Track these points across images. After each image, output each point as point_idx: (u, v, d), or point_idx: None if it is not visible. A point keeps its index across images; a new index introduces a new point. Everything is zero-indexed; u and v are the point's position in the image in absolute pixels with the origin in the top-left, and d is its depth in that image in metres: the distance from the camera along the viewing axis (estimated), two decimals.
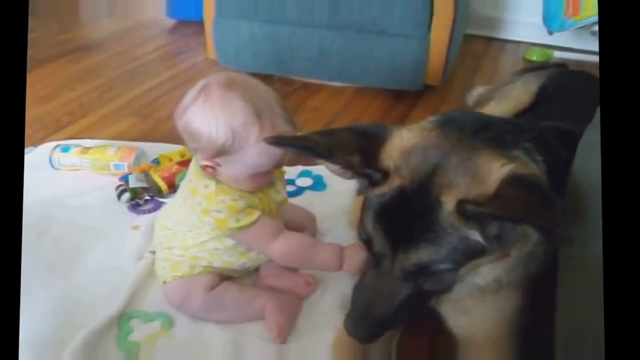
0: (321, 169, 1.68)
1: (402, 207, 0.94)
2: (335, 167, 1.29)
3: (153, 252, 1.41)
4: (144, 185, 1.73)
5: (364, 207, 1.02)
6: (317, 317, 1.29)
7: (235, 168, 1.18)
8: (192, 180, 1.25)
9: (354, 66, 2.47)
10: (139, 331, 1.22)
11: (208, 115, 1.14)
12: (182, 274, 1.30)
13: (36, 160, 1.87)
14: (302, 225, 1.51)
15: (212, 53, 2.71)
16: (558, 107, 1.61)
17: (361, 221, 1.03)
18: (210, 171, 1.20)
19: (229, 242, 1.28)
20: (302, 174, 1.79)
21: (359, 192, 1.06)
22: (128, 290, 1.31)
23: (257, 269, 1.41)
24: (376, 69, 2.45)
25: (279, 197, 1.32)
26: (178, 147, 1.87)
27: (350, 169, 1.00)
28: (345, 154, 0.99)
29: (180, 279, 1.29)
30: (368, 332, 1.02)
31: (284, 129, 1.15)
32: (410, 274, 0.97)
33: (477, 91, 2.28)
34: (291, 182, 1.76)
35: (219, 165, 1.19)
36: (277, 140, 1.06)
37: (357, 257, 1.19)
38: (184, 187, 1.29)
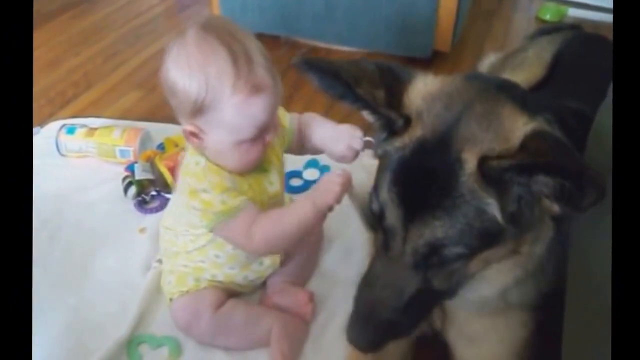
0: (328, 160, 1.65)
1: (421, 165, 0.86)
2: (337, 151, 1.25)
3: (160, 262, 1.39)
4: (150, 177, 1.69)
5: (379, 170, 0.94)
6: (325, 342, 1.27)
7: (217, 134, 1.10)
8: (187, 157, 1.20)
9: (362, 24, 2.35)
10: (148, 358, 1.23)
11: (182, 63, 1.06)
12: (188, 289, 1.28)
13: (43, 144, 1.83)
14: None
15: (216, 8, 2.58)
16: (572, 82, 1.52)
17: (374, 189, 0.94)
18: (196, 141, 1.13)
19: (229, 248, 1.25)
20: (309, 165, 1.73)
21: (376, 151, 0.96)
22: (136, 310, 1.30)
23: (263, 284, 1.39)
24: (385, 29, 2.33)
25: (272, 189, 1.25)
26: None
27: (373, 107, 0.92)
28: (371, 86, 0.90)
29: (186, 295, 1.27)
30: (371, 337, 0.94)
31: (263, 80, 1.06)
32: (422, 258, 0.88)
33: (489, 60, 2.16)
34: (298, 174, 1.71)
35: (201, 130, 1.10)
36: (301, 62, 0.93)
37: (326, 189, 1.12)
38: (179, 175, 1.25)
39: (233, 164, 1.15)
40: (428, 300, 0.96)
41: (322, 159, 1.72)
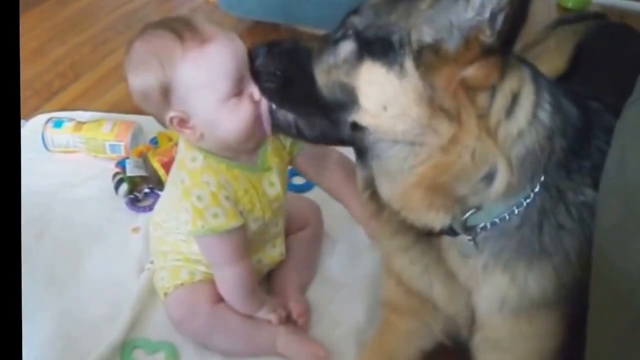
0: None
1: None
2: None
3: (153, 263, 1.41)
4: (143, 173, 1.71)
5: None
6: (329, 350, 1.28)
7: (196, 103, 1.13)
8: (181, 150, 1.23)
9: None
10: None
11: (135, 65, 1.14)
12: (183, 281, 1.30)
13: (28, 138, 1.83)
14: (306, 219, 1.49)
15: None
16: (596, 76, 1.52)
17: None
18: (187, 131, 1.16)
19: None
20: None
21: None
22: (130, 313, 1.32)
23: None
24: None
25: (272, 191, 1.27)
26: None
27: None
28: None
29: (181, 288, 1.30)
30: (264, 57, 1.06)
31: (209, 32, 1.13)
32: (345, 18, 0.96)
33: None
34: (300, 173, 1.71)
35: (183, 112, 1.14)
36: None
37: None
38: (174, 164, 1.27)
39: (230, 130, 1.15)
40: (306, 88, 0.99)
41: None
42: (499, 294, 1.02)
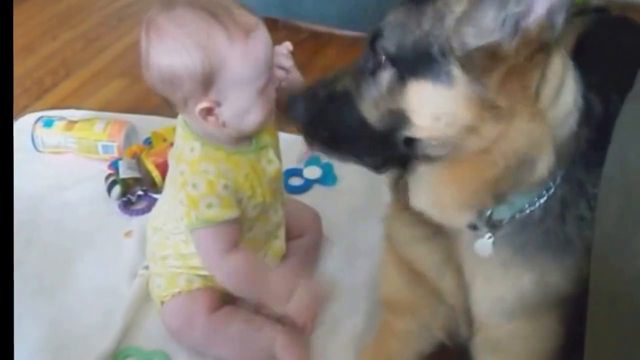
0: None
1: None
2: None
3: (147, 268, 1.41)
4: (136, 175, 1.70)
5: None
6: (328, 356, 1.29)
7: (235, 94, 1.13)
8: (179, 145, 1.23)
9: (369, 6, 2.34)
10: None
11: (171, 46, 1.10)
12: (180, 289, 1.29)
13: (17, 138, 1.82)
14: (304, 226, 1.48)
15: None
16: (595, 71, 1.51)
17: None
18: (212, 119, 1.15)
19: None
20: (310, 163, 1.74)
21: None
22: (122, 321, 1.31)
23: None
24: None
25: (271, 168, 1.27)
26: (173, 122, 1.82)
27: None
28: None
29: (179, 296, 1.29)
30: (305, 110, 1.02)
31: (250, 20, 1.11)
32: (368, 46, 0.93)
33: None
34: (298, 172, 1.72)
35: (216, 102, 1.13)
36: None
37: (306, 303, 1.22)
38: (171, 162, 1.27)
39: (256, 120, 1.17)
40: (353, 124, 0.97)
41: (324, 156, 1.71)
42: (516, 291, 1.02)
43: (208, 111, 1.14)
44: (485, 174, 0.91)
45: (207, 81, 1.10)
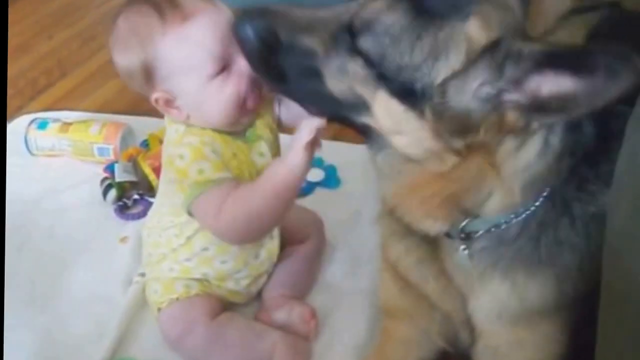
0: (334, 159, 1.64)
1: None
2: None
3: (143, 275, 1.39)
4: (132, 178, 1.69)
5: None
6: None
7: (181, 83, 1.14)
8: (167, 130, 1.24)
9: None
10: None
11: (119, 43, 1.16)
12: (178, 295, 1.28)
13: (10, 140, 1.80)
14: (306, 231, 1.46)
15: None
16: None
17: None
18: (174, 112, 1.18)
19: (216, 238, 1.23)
20: (312, 165, 1.70)
21: None
22: (116, 331, 1.29)
23: (258, 296, 1.38)
24: None
25: (261, 161, 1.25)
26: None
27: None
28: None
29: (177, 303, 1.28)
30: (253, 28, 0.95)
31: (192, 7, 1.12)
32: (355, 26, 0.89)
33: None
34: None
35: (169, 92, 1.15)
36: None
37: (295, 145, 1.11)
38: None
39: (217, 110, 1.16)
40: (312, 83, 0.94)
41: (327, 158, 1.71)
42: (496, 302, 1.03)
43: (167, 103, 1.17)
44: (442, 190, 0.92)
45: (147, 70, 1.13)
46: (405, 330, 1.22)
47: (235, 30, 0.99)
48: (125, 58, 1.15)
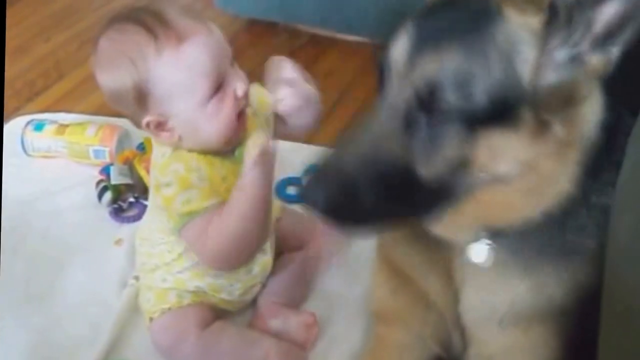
0: None
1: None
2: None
3: (137, 278, 1.39)
4: (128, 181, 1.69)
5: None
6: None
7: (176, 107, 1.12)
8: (154, 152, 1.23)
9: (371, 10, 2.32)
10: None
11: (105, 65, 1.14)
12: (170, 305, 1.28)
13: (7, 142, 1.80)
14: (303, 238, 1.45)
15: None
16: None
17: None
18: (167, 135, 1.16)
19: None
20: (309, 171, 1.70)
21: None
22: (110, 333, 1.29)
23: (253, 303, 1.38)
24: (398, 16, 2.30)
25: None
26: None
27: None
28: None
29: (168, 313, 1.27)
30: (329, 195, 0.87)
31: (186, 28, 1.11)
32: (416, 104, 0.84)
33: None
34: (296, 181, 1.69)
35: (162, 116, 1.13)
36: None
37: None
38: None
39: (212, 132, 1.15)
40: (405, 189, 0.88)
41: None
42: (506, 299, 1.01)
43: (159, 126, 1.14)
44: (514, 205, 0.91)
45: (141, 95, 1.11)
46: (398, 335, 1.21)
47: (306, 198, 0.92)
48: (115, 80, 1.13)
